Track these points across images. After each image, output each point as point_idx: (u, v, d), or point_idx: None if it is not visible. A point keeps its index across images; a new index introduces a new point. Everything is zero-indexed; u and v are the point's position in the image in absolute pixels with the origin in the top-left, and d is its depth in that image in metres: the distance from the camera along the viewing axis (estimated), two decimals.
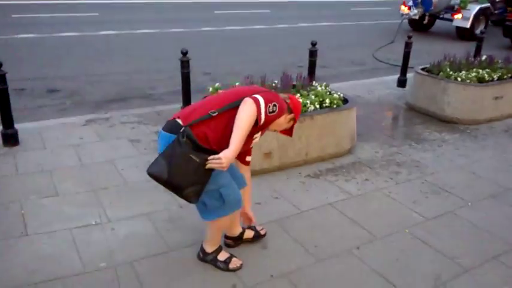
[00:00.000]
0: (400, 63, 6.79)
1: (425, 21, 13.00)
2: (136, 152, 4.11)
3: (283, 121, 2.42)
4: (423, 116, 5.47)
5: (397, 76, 6.84)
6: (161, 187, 2.21)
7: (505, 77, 5.42)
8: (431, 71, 5.54)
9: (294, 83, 4.38)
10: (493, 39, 11.65)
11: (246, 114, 2.12)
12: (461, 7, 11.84)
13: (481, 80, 5.24)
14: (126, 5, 15.66)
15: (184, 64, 4.72)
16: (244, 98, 2.17)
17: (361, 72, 8.14)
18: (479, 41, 7.35)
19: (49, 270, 2.47)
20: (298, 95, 4.11)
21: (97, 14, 13.33)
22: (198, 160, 2.10)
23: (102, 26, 11.26)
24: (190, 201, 2.24)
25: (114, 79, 6.89)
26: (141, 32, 10.99)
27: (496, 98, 5.27)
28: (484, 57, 5.85)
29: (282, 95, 2.46)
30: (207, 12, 15.16)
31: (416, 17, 12.73)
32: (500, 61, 5.76)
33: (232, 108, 2.17)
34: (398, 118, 5.60)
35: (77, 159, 3.88)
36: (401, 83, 6.72)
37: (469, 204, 3.45)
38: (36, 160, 3.82)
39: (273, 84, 4.20)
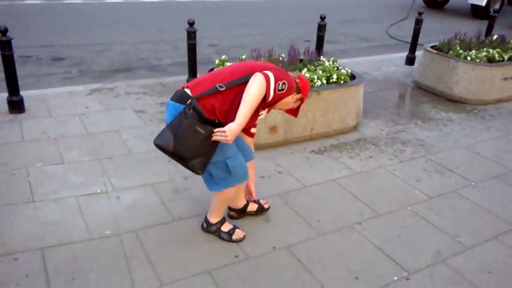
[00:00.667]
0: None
1: None
2: (141, 122, 4.11)
3: (291, 100, 2.41)
4: (430, 95, 5.42)
5: (405, 54, 6.74)
6: (165, 158, 2.23)
7: None
8: (441, 49, 5.45)
9: (301, 57, 4.33)
10: (508, 19, 11.40)
11: (255, 89, 2.11)
12: None
13: (491, 60, 5.16)
14: None
15: (191, 35, 4.67)
16: (254, 73, 2.15)
17: (370, 48, 8.02)
18: (491, 19, 7.21)
19: (55, 236, 2.52)
20: (305, 69, 4.07)
21: None
22: (203, 132, 2.11)
23: None
24: (196, 173, 2.26)
25: (120, 49, 6.83)
26: (147, 0, 10.81)
27: (506, 78, 5.19)
28: (495, 37, 5.75)
29: (292, 74, 2.44)
30: None
31: None
32: (511, 41, 5.65)
33: (241, 83, 2.16)
34: (405, 96, 5.55)
35: (82, 128, 3.89)
36: (410, 60, 6.62)
37: (472, 184, 3.46)
38: (42, 128, 3.83)
39: (280, 58, 4.16)
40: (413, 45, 6.57)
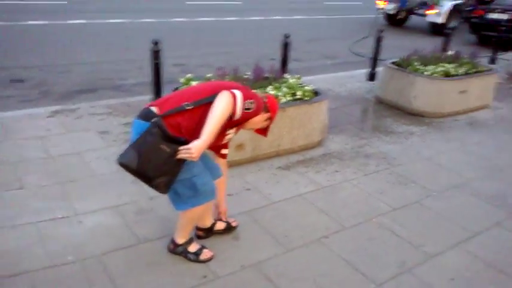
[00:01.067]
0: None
1: (400, 16, 13.35)
2: (104, 144, 4.03)
3: (260, 120, 2.43)
4: (392, 109, 5.59)
5: (367, 70, 6.95)
6: (130, 178, 2.20)
7: (470, 72, 5.60)
8: (401, 64, 5.65)
9: (267, 75, 4.39)
10: (464, 35, 11.99)
11: (221, 106, 2.11)
12: (435, 3, 12.18)
13: (447, 75, 5.39)
14: None
15: (155, 54, 4.65)
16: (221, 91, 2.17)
17: (333, 65, 8.23)
18: (447, 36, 7.57)
19: (14, 264, 2.41)
20: (271, 87, 4.12)
21: (65, 2, 12.93)
22: (168, 150, 2.10)
23: (71, 14, 10.95)
24: (161, 192, 2.23)
25: (83, 69, 6.72)
26: (111, 21, 10.73)
27: (461, 92, 5.43)
28: (450, 53, 6.03)
29: (260, 94, 2.47)
30: (179, 3, 14.95)
31: (392, 12, 13.08)
32: (465, 56, 5.94)
33: (209, 102, 2.16)
34: (367, 111, 5.70)
35: (43, 151, 3.77)
36: (372, 76, 6.83)
37: (434, 194, 3.56)
38: (0, 152, 3.69)
39: (245, 76, 4.20)
40: (375, 62, 6.79)
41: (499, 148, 4.64)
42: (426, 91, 5.33)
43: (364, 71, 7.07)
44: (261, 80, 4.23)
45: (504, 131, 5.15)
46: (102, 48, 8.10)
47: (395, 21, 13.58)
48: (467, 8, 12.54)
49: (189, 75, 4.08)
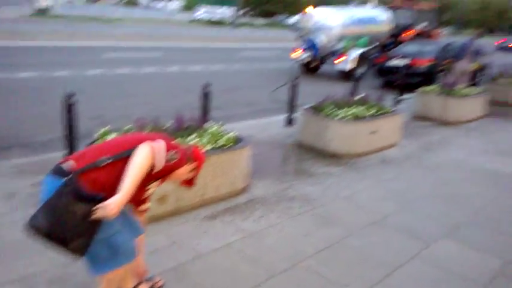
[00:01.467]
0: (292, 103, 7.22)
1: (314, 65, 14.23)
2: (11, 207, 3.69)
3: (184, 171, 2.37)
4: (311, 152, 5.84)
5: (286, 115, 7.25)
6: (41, 245, 2.00)
7: (378, 113, 6.07)
8: (316, 109, 5.98)
9: (188, 124, 4.39)
10: (371, 80, 13.08)
11: (141, 159, 2.05)
12: (344, 52, 13.15)
13: (357, 117, 5.80)
14: (1, 48, 14.47)
15: (68, 108, 4.47)
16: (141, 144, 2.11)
17: (254, 112, 8.47)
18: (356, 81, 8.21)
19: None
20: (193, 135, 4.12)
21: None
22: (84, 210, 1.96)
23: None
24: (77, 256, 2.06)
25: None
26: (20, 76, 10.18)
27: (372, 132, 5.85)
28: (359, 96, 6.52)
29: (185, 145, 2.44)
30: (94, 55, 14.66)
31: (307, 61, 13.93)
32: (373, 99, 6.45)
33: (128, 156, 2.08)
34: (288, 155, 5.89)
35: None
36: (290, 121, 7.13)
37: (355, 232, 3.71)
38: None
39: (166, 127, 4.16)
40: (292, 108, 7.12)
41: (410, 182, 5.01)
42: (340, 133, 5.66)
43: (283, 117, 7.37)
44: (182, 129, 4.21)
45: (412, 166, 5.58)
46: (10, 104, 7.59)
47: (309, 69, 14.48)
48: (372, 56, 13.80)
49: (106, 128, 3.95)
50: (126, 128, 3.97)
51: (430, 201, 4.49)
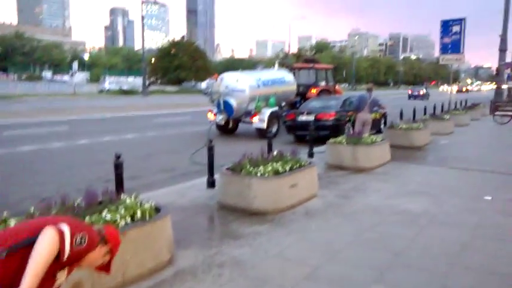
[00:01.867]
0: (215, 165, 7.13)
1: (230, 126, 14.57)
2: None
3: (98, 255, 2.13)
4: (235, 212, 5.73)
5: (206, 178, 7.14)
6: None
7: (295, 167, 6.23)
8: (235, 169, 5.97)
9: (100, 199, 4.08)
10: (284, 136, 13.59)
11: (44, 247, 1.80)
12: (257, 111, 13.74)
13: (277, 172, 5.88)
14: None
15: None
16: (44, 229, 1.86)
17: (173, 178, 8.24)
18: (269, 139, 8.42)
19: None
20: (106, 210, 3.81)
21: None
22: None
23: None
24: None
25: None
26: None
27: (292, 186, 5.95)
28: (275, 152, 6.67)
29: (96, 226, 2.21)
30: None
31: (222, 122, 14.23)
32: (288, 154, 6.63)
33: (29, 244, 1.83)
34: (212, 218, 5.72)
35: None
36: (211, 183, 7.02)
37: None
38: None
39: (76, 204, 3.82)
40: (211, 169, 7.04)
41: (334, 232, 5.09)
42: (263, 190, 5.67)
43: (203, 180, 7.24)
44: (94, 205, 3.89)
45: (334, 215, 5.71)
46: None
47: (227, 130, 14.74)
48: (283, 113, 14.49)
49: (5, 214, 3.51)
50: (29, 211, 3.56)
51: (355, 248, 4.56)
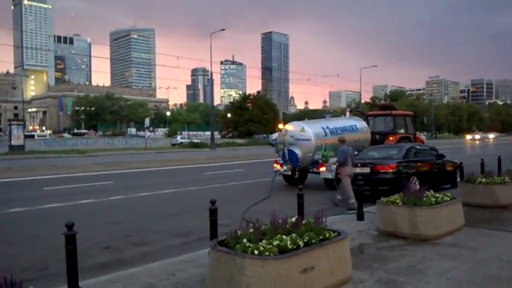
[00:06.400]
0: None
1: (296, 176, 13.52)
2: None
3: None
4: None
5: None
6: None
7: (314, 241, 4.47)
8: (229, 243, 4.38)
9: None
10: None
11: None
12: (324, 161, 12.54)
13: (283, 250, 4.18)
14: None
15: None
16: None
17: (182, 245, 6.80)
18: (300, 197, 6.74)
19: None
20: None
21: None
22: None
23: None
24: None
25: None
26: None
27: (305, 270, 4.18)
28: (293, 219, 4.96)
29: None
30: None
31: (288, 173, 13.41)
32: (311, 220, 4.90)
33: None
34: None
35: None
36: None
37: None
38: None
39: None
40: (214, 233, 5.49)
41: None
42: (260, 277, 3.96)
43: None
44: None
45: None
46: None
47: (294, 180, 13.55)
48: None
49: None
50: None
51: None
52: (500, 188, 8.90)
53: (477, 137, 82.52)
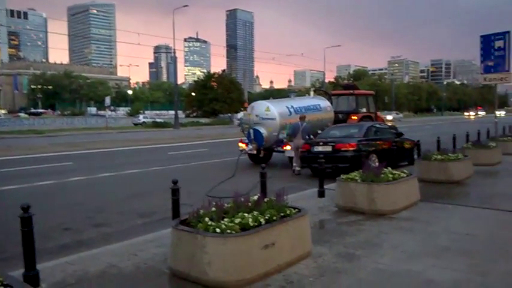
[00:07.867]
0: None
1: (261, 155, 13.73)
2: None
3: None
4: (188, 285, 4.14)
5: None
6: None
7: (275, 218, 4.56)
8: (191, 222, 4.41)
9: None
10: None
11: None
12: (288, 140, 12.72)
13: (245, 227, 4.26)
14: None
15: None
16: None
17: (145, 225, 6.77)
18: (263, 175, 6.83)
19: None
20: None
21: None
22: None
23: None
24: None
25: None
26: None
27: (266, 246, 4.28)
28: (255, 197, 5.02)
29: None
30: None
31: (254, 152, 13.51)
32: (273, 198, 4.98)
33: None
34: None
35: None
36: None
37: None
38: None
39: None
40: (176, 213, 5.50)
41: None
42: (221, 254, 4.04)
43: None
44: None
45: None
46: None
47: (259, 159, 13.66)
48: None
49: None
50: None
51: None
52: (453, 164, 9.34)
53: (472, 113, 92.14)
